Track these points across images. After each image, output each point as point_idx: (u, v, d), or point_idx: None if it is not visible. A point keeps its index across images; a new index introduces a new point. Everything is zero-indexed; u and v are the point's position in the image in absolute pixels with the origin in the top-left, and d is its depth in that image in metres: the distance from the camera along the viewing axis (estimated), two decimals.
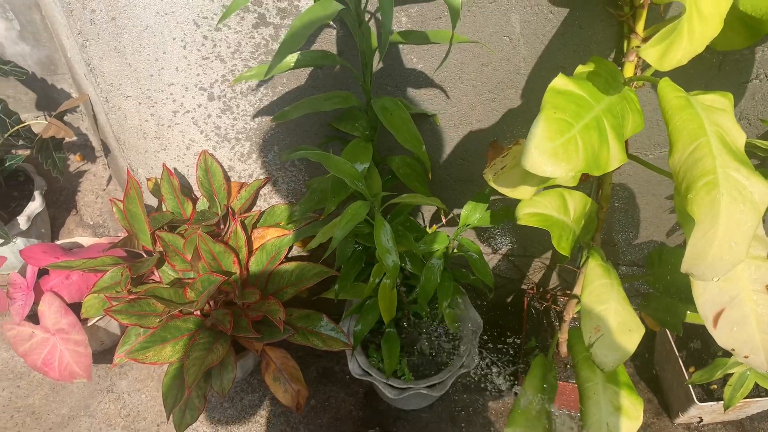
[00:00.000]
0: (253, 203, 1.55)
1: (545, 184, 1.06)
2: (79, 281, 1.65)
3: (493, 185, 0.98)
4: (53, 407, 1.77)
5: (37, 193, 1.94)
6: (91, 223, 2.18)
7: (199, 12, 1.23)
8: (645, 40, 1.10)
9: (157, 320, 1.35)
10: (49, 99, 2.26)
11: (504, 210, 1.28)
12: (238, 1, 0.85)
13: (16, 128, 1.69)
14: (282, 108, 1.39)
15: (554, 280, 1.74)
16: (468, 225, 1.27)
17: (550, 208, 1.12)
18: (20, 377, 1.83)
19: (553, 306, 1.67)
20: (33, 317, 1.62)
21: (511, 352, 1.72)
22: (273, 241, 1.42)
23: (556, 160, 0.81)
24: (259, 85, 1.35)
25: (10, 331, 1.60)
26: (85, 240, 1.86)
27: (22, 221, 1.88)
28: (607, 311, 1.08)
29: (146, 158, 1.55)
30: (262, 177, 1.55)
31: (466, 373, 1.60)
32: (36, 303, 1.61)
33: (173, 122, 1.45)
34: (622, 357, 1.05)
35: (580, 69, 0.97)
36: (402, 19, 1.19)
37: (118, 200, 1.51)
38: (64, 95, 2.24)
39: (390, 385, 1.56)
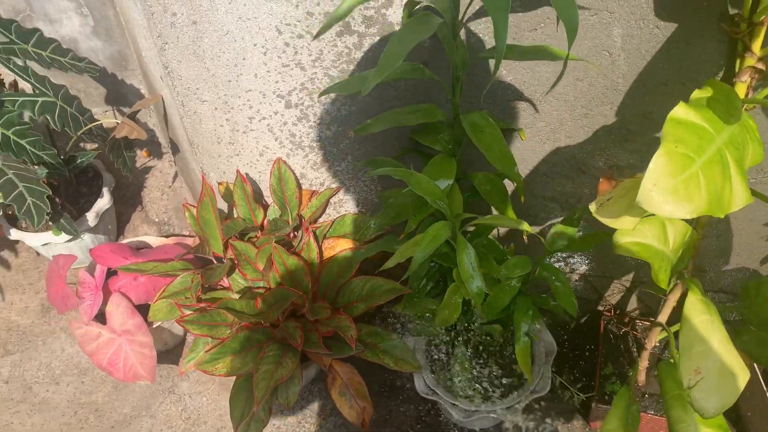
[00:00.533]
0: (323, 212, 1.51)
1: (646, 214, 0.99)
2: (146, 283, 1.64)
3: (595, 215, 0.91)
4: (116, 405, 1.78)
5: (105, 190, 1.95)
6: (157, 220, 2.18)
7: (282, 19, 1.19)
8: (762, 59, 1.01)
9: (227, 331, 1.33)
10: (118, 94, 2.27)
11: (594, 235, 1.21)
12: (339, 12, 0.80)
13: (89, 126, 1.69)
14: (360, 118, 1.34)
15: (632, 303, 1.66)
16: (554, 251, 1.20)
17: (651, 237, 1.04)
18: (84, 373, 1.84)
19: (631, 331, 1.59)
20: (100, 317, 1.62)
21: (585, 377, 1.64)
22: (345, 254, 1.38)
23: (676, 199, 0.74)
24: (337, 94, 1.31)
25: (78, 329, 1.60)
26: (152, 239, 1.86)
27: (91, 218, 1.89)
28: (709, 352, 1.00)
29: (218, 162, 1.52)
30: (333, 186, 1.51)
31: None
32: (104, 303, 1.61)
33: (248, 128, 1.42)
34: (725, 404, 0.98)
35: (698, 94, 0.88)
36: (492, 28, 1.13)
37: (192, 206, 1.49)
38: (134, 91, 2.24)
39: (457, 406, 1.51)
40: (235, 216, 1.48)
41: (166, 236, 1.88)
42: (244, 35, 1.23)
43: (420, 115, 1.10)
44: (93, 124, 1.70)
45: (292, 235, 1.50)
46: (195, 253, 1.44)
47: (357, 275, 1.40)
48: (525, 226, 1.03)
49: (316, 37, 0.85)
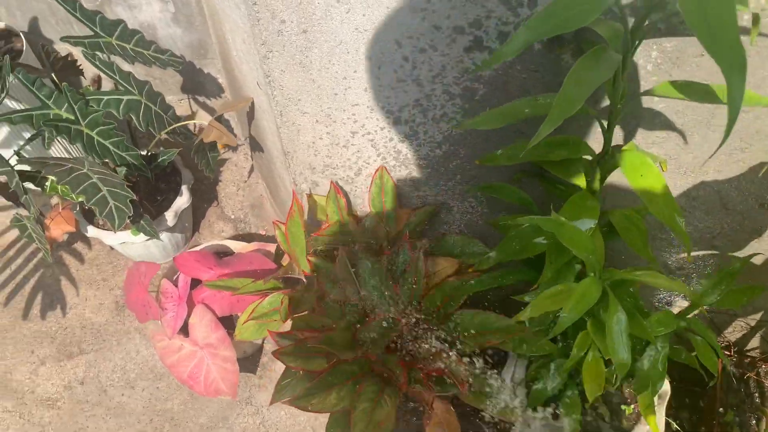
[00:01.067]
0: (422, 230, 1.40)
1: None
2: (230, 294, 1.56)
3: None
4: (192, 415, 1.72)
5: (184, 188, 1.87)
6: (233, 216, 2.10)
7: (404, 31, 1.06)
8: None
9: (323, 363, 1.24)
10: (195, 83, 2.18)
11: (749, 289, 1.06)
12: (510, 49, 0.67)
13: (173, 126, 1.60)
14: (476, 140, 1.22)
15: (754, 342, 1.51)
16: (702, 305, 1.06)
17: None
18: (160, 378, 1.79)
19: (755, 376, 1.44)
20: (182, 328, 1.55)
21: (701, 420, 1.51)
22: (452, 282, 1.26)
23: None
24: (456, 113, 1.18)
25: (160, 342, 1.54)
26: (234, 244, 1.77)
27: (170, 217, 1.82)
28: None
29: (312, 175, 1.42)
30: (434, 203, 1.39)
31: None
32: (187, 315, 1.53)
33: (349, 143, 1.30)
34: None
35: None
36: (652, 54, 0.98)
37: (281, 222, 1.39)
38: (211, 80, 2.15)
39: None
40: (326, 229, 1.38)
41: (248, 241, 1.79)
42: (359, 47, 1.10)
43: (564, 151, 0.97)
44: (178, 124, 1.61)
45: (386, 251, 1.39)
46: (284, 274, 1.35)
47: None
48: (684, 289, 0.90)
49: (478, 70, 0.72)
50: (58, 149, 2.09)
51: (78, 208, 1.84)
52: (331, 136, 1.30)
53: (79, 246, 2.07)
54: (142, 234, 1.77)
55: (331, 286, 1.27)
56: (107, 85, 1.69)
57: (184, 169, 1.92)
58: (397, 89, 1.16)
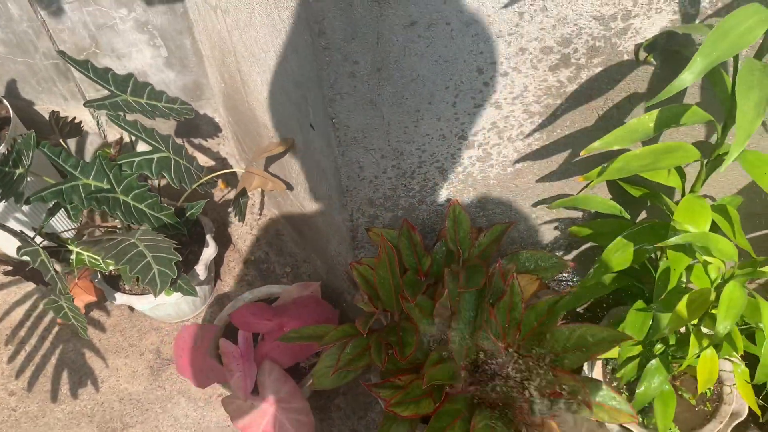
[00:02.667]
0: (496, 249, 1.38)
1: None
2: (293, 344, 1.50)
3: None
4: None
5: (209, 237, 1.79)
6: (253, 258, 2.03)
7: (488, 57, 1.03)
8: None
9: (431, 404, 1.20)
10: (190, 126, 2.09)
11: None
12: (686, 79, 0.66)
13: (206, 179, 1.52)
14: (551, 153, 1.20)
15: None
16: None
17: None
18: None
19: None
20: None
21: None
22: (546, 300, 1.25)
23: None
24: (535, 130, 1.16)
25: (230, 405, 1.46)
26: (276, 288, 1.71)
27: (201, 271, 1.74)
28: None
29: (371, 208, 1.38)
30: (501, 221, 1.38)
31: None
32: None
33: (416, 173, 1.27)
34: None
35: None
36: None
37: (358, 263, 1.34)
38: (207, 120, 2.07)
39: None
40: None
41: (291, 284, 1.73)
42: (437, 78, 1.07)
43: (673, 159, 0.97)
44: (211, 176, 1.53)
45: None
46: (368, 320, 1.30)
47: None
48: None
49: (658, 99, 0.71)
50: (59, 222, 1.96)
51: (99, 277, 1.74)
52: (397, 168, 1.27)
53: (96, 314, 1.95)
54: (174, 293, 1.69)
55: (427, 323, 1.24)
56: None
57: (204, 218, 1.84)
58: (473, 115, 1.14)
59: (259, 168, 1.53)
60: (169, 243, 1.37)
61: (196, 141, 2.14)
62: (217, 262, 2.02)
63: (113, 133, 2.14)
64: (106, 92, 1.91)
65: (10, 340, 1.92)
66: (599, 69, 1.05)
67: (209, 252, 1.77)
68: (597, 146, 0.93)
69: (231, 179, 2.21)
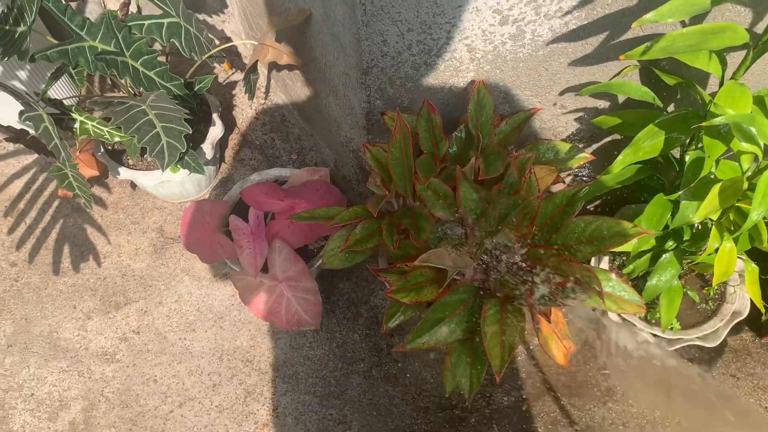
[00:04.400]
0: (516, 138, 1.34)
1: None
2: (304, 225, 1.49)
3: None
4: (264, 350, 1.68)
5: (215, 117, 1.73)
6: (258, 143, 1.98)
7: None
8: None
9: (433, 291, 1.20)
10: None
11: None
12: None
13: (217, 49, 1.45)
14: (590, 33, 1.15)
15: None
16: None
17: None
18: (221, 317, 1.72)
19: None
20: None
21: None
22: (564, 192, 1.23)
23: None
24: (575, 8, 1.10)
25: (239, 281, 1.46)
26: (286, 171, 1.68)
27: (208, 150, 1.69)
28: None
29: (391, 88, 1.32)
30: (525, 108, 1.33)
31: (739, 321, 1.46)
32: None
33: (442, 50, 1.21)
34: None
35: None
36: None
37: (371, 145, 1.30)
38: None
39: (659, 337, 1.44)
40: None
41: (299, 169, 1.69)
42: None
43: (719, 40, 0.92)
44: (223, 46, 1.46)
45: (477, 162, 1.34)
46: (379, 202, 1.28)
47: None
48: None
49: None
50: (58, 90, 1.88)
51: (102, 150, 1.69)
52: (422, 45, 1.21)
53: (97, 191, 1.92)
54: (180, 170, 1.65)
55: (441, 207, 1.21)
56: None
57: (211, 96, 1.77)
58: None
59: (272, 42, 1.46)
60: (180, 112, 1.32)
61: (201, 17, 2.04)
62: (222, 145, 1.97)
63: (113, 2, 2.03)
64: None
65: (10, 211, 1.89)
66: None
67: (216, 131, 1.72)
68: (650, 18, 0.88)
69: (236, 61, 2.13)
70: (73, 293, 1.76)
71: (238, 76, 2.09)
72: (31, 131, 1.47)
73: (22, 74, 1.78)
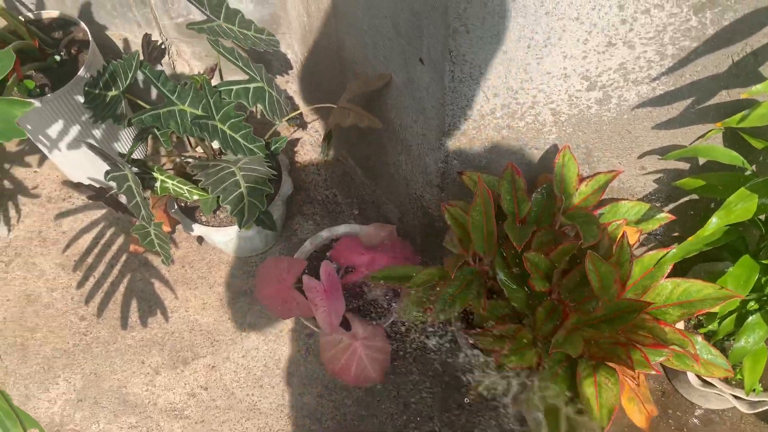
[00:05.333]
0: (598, 199, 1.35)
1: None
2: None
3: None
4: (331, 406, 1.67)
5: (285, 174, 1.77)
6: (320, 198, 2.01)
7: None
8: None
9: (533, 355, 1.20)
10: (261, 59, 2.05)
11: None
12: None
13: (296, 113, 1.50)
14: (676, 99, 1.17)
15: None
16: None
17: None
18: (288, 374, 1.72)
19: None
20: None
21: None
22: (653, 255, 1.23)
23: None
24: (663, 74, 1.13)
25: (322, 338, 1.47)
26: (355, 227, 1.70)
27: (278, 207, 1.73)
28: None
29: (472, 149, 1.35)
30: (605, 170, 1.35)
31: None
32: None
33: (526, 114, 1.24)
34: None
35: None
36: None
37: (450, 205, 1.32)
38: (279, 56, 2.02)
39: (741, 399, 1.41)
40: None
41: (369, 224, 1.71)
42: (571, 12, 1.03)
43: None
44: (302, 110, 1.50)
45: (558, 225, 1.35)
46: (457, 263, 1.29)
47: None
48: None
49: None
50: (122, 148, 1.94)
51: (176, 207, 1.73)
52: (507, 108, 1.24)
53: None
54: (253, 227, 1.68)
55: (539, 278, 1.22)
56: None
57: (280, 155, 1.82)
58: (603, 53, 1.10)
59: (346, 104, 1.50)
60: (268, 174, 1.35)
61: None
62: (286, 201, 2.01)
63: (182, 63, 2.10)
64: (181, 20, 1.88)
65: (78, 266, 1.94)
66: (747, 11, 1.00)
67: (286, 188, 1.75)
68: (759, 89, 0.90)
69: (299, 119, 2.18)
70: (141, 348, 1.78)
71: (299, 133, 2.14)
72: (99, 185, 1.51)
73: (97, 133, 1.85)
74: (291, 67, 2.06)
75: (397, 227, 1.80)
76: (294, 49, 1.99)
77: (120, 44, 2.02)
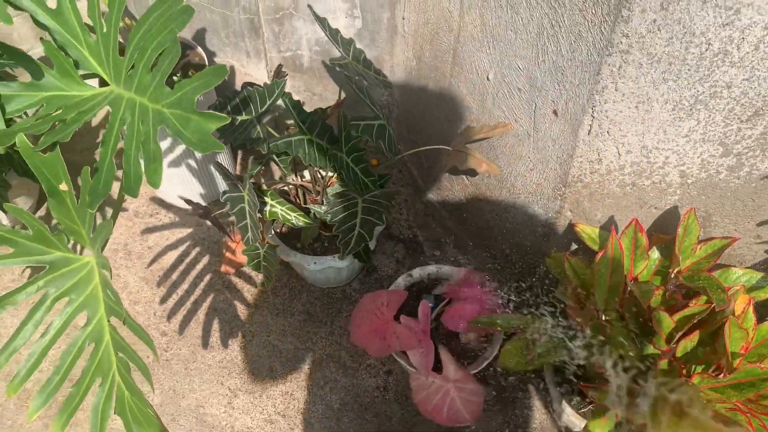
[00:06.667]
0: (712, 264, 1.37)
1: None
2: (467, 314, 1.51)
3: None
4: None
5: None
6: (402, 237, 2.04)
7: None
8: None
9: None
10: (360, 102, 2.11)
11: None
12: None
13: (412, 151, 1.54)
14: None
15: None
16: None
17: None
18: (366, 409, 1.72)
19: None
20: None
21: None
22: None
23: None
24: None
25: (414, 381, 1.48)
26: (446, 269, 1.72)
27: (372, 242, 1.75)
28: None
29: (590, 203, 1.38)
30: (723, 235, 1.37)
31: None
32: None
33: (654, 173, 1.27)
34: None
35: None
36: None
37: (571, 256, 1.34)
38: (376, 95, 2.08)
39: None
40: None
41: (461, 267, 1.74)
42: (723, 78, 1.07)
43: None
44: (416, 149, 1.54)
45: (670, 290, 1.36)
46: (587, 317, 1.30)
47: None
48: None
49: None
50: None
51: (273, 233, 1.76)
52: (636, 166, 1.27)
53: (246, 269, 1.98)
54: (347, 258, 1.71)
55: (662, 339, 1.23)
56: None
57: None
58: (747, 122, 1.13)
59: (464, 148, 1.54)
60: (387, 209, 1.38)
61: None
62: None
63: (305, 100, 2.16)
64: (289, 53, 1.95)
65: (162, 282, 1.96)
66: None
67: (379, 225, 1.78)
68: None
69: (382, 160, 2.23)
70: (221, 369, 1.79)
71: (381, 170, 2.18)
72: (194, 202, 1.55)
73: (198, 155, 1.90)
74: (388, 109, 2.12)
75: (488, 272, 1.81)
76: (391, 91, 2.05)
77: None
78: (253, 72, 2.04)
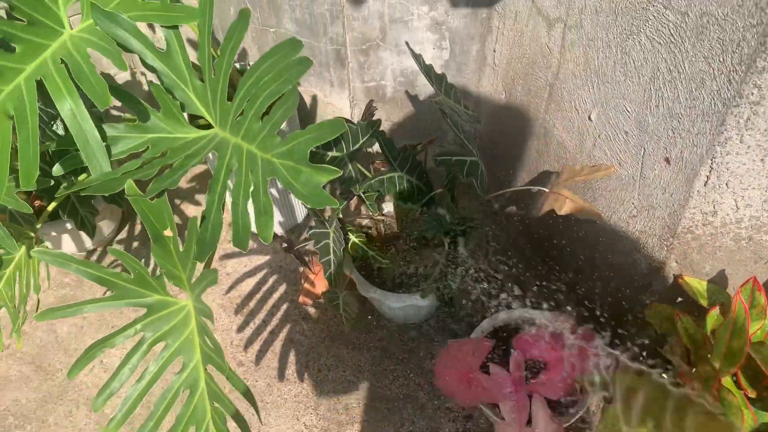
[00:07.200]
0: None
1: None
2: (565, 379, 1.44)
3: None
4: None
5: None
6: (479, 277, 1.98)
7: None
8: None
9: None
10: (435, 133, 2.07)
11: None
12: None
13: (504, 191, 1.48)
14: None
15: None
16: None
17: None
18: None
19: None
20: None
21: None
22: None
23: None
24: None
25: (503, 429, 1.41)
26: (535, 313, 1.65)
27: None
28: None
29: (700, 255, 1.29)
30: None
31: None
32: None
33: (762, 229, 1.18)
34: None
35: None
36: None
37: (684, 315, 1.26)
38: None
39: None
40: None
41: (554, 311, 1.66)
42: None
43: None
44: (510, 189, 1.49)
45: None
46: (707, 381, 1.21)
47: None
48: None
49: None
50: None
51: (354, 268, 1.73)
52: (756, 220, 1.19)
53: (323, 302, 1.95)
54: (428, 297, 1.66)
55: None
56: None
57: None
58: None
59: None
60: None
61: None
62: None
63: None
64: (372, 84, 1.92)
65: (240, 310, 1.96)
66: None
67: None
68: None
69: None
70: (296, 403, 1.76)
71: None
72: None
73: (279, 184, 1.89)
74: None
75: (579, 320, 1.74)
76: (480, 125, 2.00)
77: (308, 100, 2.09)
78: (336, 101, 2.03)
